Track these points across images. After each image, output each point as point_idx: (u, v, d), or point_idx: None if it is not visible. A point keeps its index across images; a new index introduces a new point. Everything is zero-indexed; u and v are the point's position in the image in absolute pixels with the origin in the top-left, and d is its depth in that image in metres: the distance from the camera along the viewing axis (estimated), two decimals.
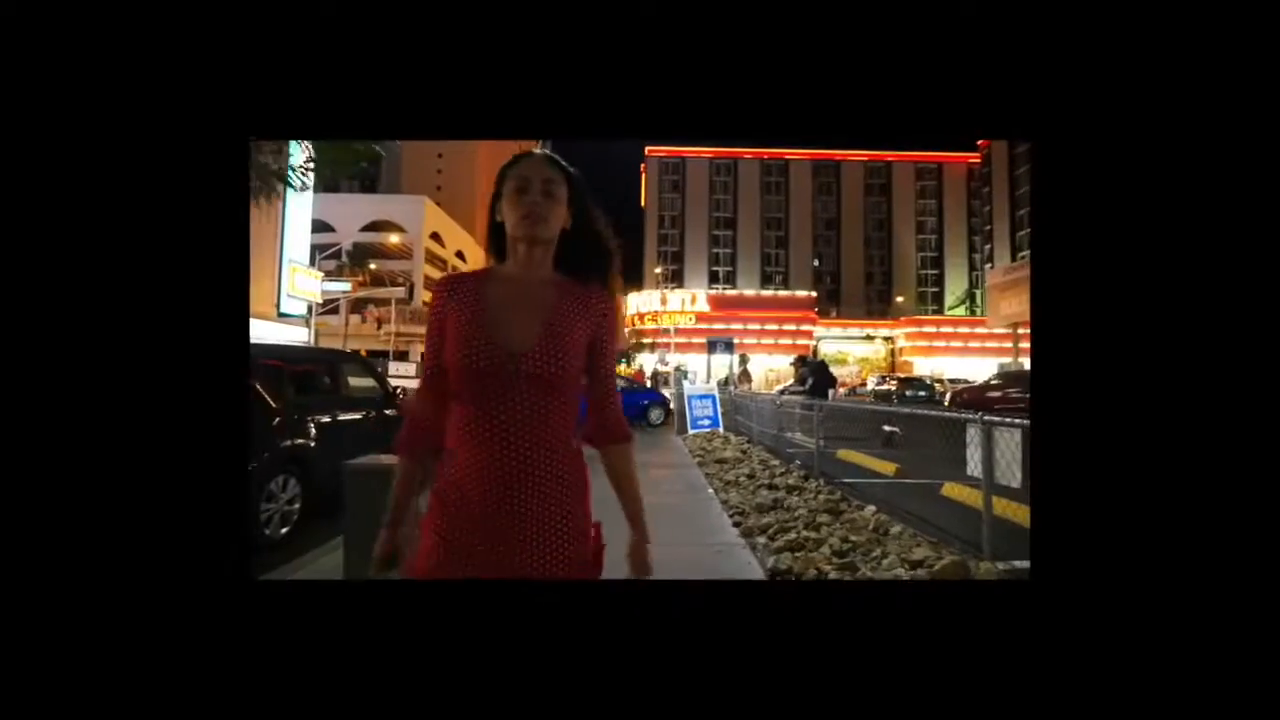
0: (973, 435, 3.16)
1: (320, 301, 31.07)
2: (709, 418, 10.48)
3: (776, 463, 6.53)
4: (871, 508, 4.11)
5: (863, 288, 64.15)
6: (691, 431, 10.16)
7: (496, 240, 1.09)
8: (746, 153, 63.83)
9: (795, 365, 12.47)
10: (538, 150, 1.07)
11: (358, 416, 5.03)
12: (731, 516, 4.31)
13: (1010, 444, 2.89)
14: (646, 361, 34.30)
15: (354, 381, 5.33)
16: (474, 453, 0.97)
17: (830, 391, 10.06)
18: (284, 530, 3.96)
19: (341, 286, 34.06)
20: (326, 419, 4.58)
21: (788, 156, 64.20)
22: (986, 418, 3.03)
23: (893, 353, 53.15)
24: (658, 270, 54.17)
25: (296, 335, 29.82)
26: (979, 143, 58.91)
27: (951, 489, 4.46)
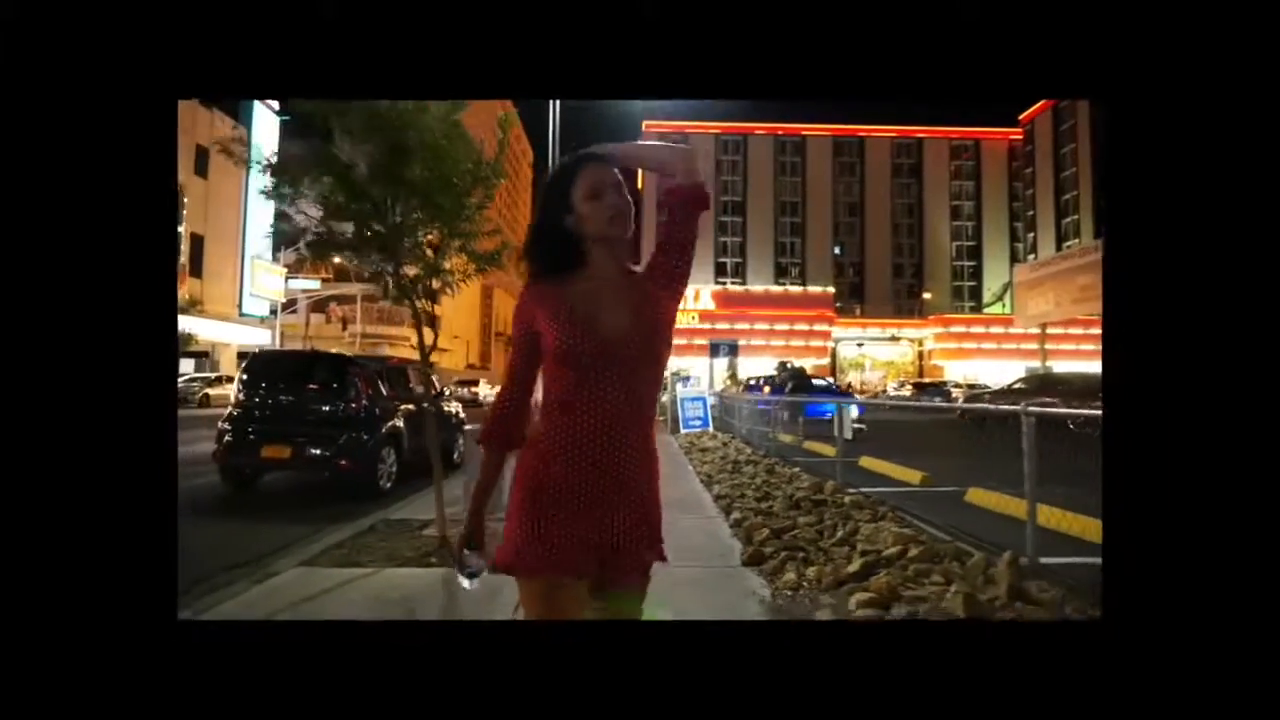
0: (839, 412, 6.25)
1: (284, 300, 33.19)
2: (699, 418, 13.50)
3: (749, 450, 9.51)
4: (797, 469, 7.06)
5: (890, 282, 65.74)
6: (684, 431, 13.15)
7: (563, 246, 1.29)
8: (758, 128, 65.55)
9: (777, 371, 15.75)
10: (590, 152, 1.30)
11: (421, 407, 8.02)
12: (701, 479, 7.27)
13: (850, 415, 5.97)
14: None
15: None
16: (572, 430, 1.22)
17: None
18: (388, 485, 6.91)
19: (309, 284, 36.31)
20: (406, 409, 7.55)
21: (804, 132, 65.66)
22: (844, 402, 6.11)
23: (920, 355, 56.06)
24: None
25: (259, 337, 32.11)
26: (1020, 116, 61.47)
27: (866, 461, 7.46)
